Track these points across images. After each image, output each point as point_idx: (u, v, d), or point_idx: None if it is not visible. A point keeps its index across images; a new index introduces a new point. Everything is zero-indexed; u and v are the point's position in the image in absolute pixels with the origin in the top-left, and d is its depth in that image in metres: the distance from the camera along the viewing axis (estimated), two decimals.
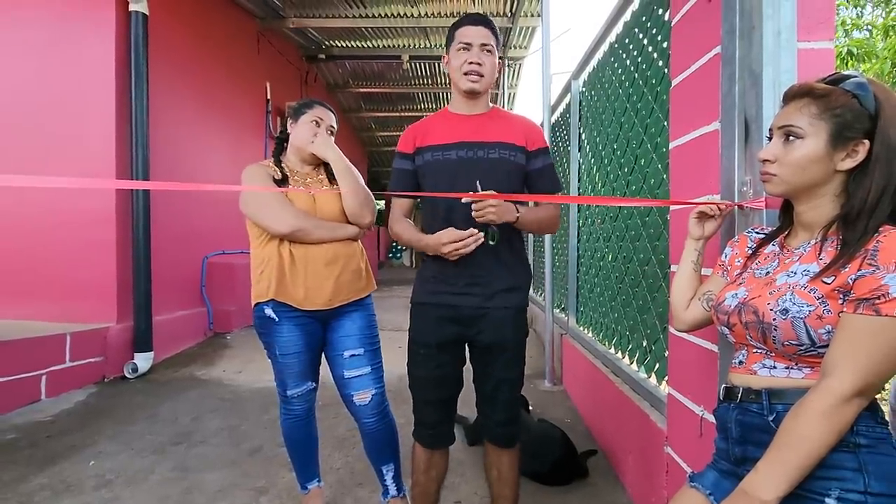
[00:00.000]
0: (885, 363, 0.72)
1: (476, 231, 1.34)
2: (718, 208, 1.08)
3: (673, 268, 1.52)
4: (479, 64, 1.43)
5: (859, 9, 7.91)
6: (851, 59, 6.81)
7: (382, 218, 2.99)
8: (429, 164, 1.50)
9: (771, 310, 0.81)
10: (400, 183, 1.54)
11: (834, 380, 0.73)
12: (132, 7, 3.57)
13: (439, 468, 1.60)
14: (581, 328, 3.31)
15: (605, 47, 2.79)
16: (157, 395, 3.25)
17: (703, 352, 1.35)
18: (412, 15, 5.64)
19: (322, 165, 1.81)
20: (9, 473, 2.17)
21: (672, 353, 1.58)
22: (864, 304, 0.73)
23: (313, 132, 1.72)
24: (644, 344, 2.15)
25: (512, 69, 7.32)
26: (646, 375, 2.11)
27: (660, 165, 1.96)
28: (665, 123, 1.88)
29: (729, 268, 1.02)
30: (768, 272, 0.90)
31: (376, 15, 5.67)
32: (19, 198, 3.67)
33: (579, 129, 3.39)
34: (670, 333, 1.59)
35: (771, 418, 0.82)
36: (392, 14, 5.65)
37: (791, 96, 0.86)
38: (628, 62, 2.37)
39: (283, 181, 1.67)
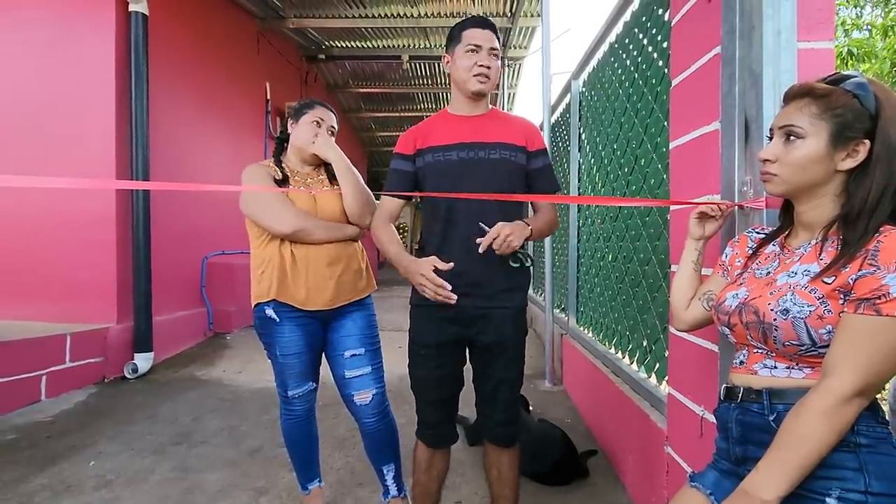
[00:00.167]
0: (886, 363, 0.72)
1: (449, 290, 1.31)
2: (719, 208, 1.08)
3: (673, 268, 1.52)
4: (488, 67, 1.46)
5: (859, 9, 7.91)
6: (851, 59, 6.81)
7: None
8: (430, 166, 1.50)
9: (772, 310, 0.81)
10: (397, 184, 1.54)
11: (834, 380, 0.73)
12: (132, 7, 3.57)
13: (440, 467, 1.60)
14: (581, 328, 3.31)
15: (605, 47, 2.79)
16: (157, 395, 3.25)
17: (704, 352, 1.35)
18: (412, 15, 5.64)
19: (322, 166, 1.81)
20: (9, 474, 2.17)
21: (672, 352, 1.58)
22: (864, 304, 0.73)
23: (314, 132, 1.72)
24: (644, 344, 2.15)
25: (512, 69, 7.32)
26: (646, 375, 2.12)
27: (660, 165, 1.96)
28: (665, 123, 1.88)
29: (729, 268, 1.02)
30: (769, 272, 0.90)
31: (376, 15, 5.67)
32: (19, 198, 3.67)
33: (579, 129, 3.39)
34: (670, 333, 1.59)
35: (772, 418, 0.82)
36: (392, 14, 5.65)
37: (791, 96, 0.87)
38: (628, 62, 2.37)
39: (283, 181, 1.67)
